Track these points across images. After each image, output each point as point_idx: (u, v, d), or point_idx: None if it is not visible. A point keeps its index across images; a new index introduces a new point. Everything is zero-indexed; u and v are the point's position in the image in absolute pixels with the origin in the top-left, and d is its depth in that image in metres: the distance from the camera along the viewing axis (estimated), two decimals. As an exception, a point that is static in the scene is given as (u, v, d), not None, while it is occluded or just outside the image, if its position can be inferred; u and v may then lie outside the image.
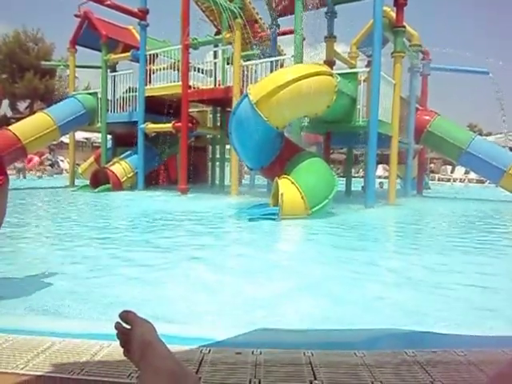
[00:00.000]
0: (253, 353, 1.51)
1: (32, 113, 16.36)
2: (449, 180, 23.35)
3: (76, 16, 11.64)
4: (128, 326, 0.89)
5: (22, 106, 33.92)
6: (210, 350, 1.51)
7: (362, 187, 11.21)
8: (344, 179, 11.46)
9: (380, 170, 19.49)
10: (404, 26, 8.58)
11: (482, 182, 18.93)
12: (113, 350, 1.47)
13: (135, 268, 2.95)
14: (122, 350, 0.91)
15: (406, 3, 8.39)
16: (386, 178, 12.56)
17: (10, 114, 31.50)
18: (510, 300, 2.42)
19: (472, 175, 20.02)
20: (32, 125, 10.12)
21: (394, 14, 8.69)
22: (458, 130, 10.28)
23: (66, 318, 1.97)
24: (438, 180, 23.34)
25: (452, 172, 24.15)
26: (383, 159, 14.67)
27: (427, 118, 10.35)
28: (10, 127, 9.90)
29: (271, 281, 2.74)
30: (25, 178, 16.29)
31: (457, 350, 1.53)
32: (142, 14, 10.23)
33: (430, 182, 18.00)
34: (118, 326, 0.89)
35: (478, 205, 9.33)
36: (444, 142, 9.95)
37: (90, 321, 1.92)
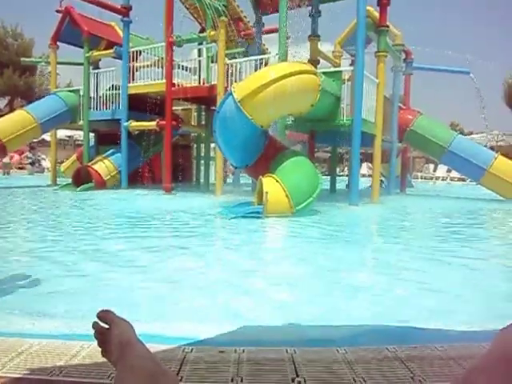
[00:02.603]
0: (235, 351, 1.51)
1: (12, 110, 16.04)
2: (431, 178, 23.71)
3: (57, 11, 11.43)
4: (106, 326, 0.87)
5: (2, 103, 33.23)
6: (192, 349, 1.50)
7: (347, 185, 11.30)
8: (329, 177, 11.54)
9: (364, 169, 19.70)
10: (387, 26, 8.66)
11: (463, 180, 19.27)
12: (93, 350, 1.45)
13: (115, 267, 2.92)
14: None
15: (389, 3, 8.47)
16: (369, 176, 12.67)
17: (-11, 111, 30.79)
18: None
19: (454, 174, 20.37)
20: (12, 122, 9.92)
21: (377, 14, 8.77)
22: (440, 128, 10.43)
23: (45, 318, 1.93)
24: (421, 178, 23.69)
25: (434, 170, 24.54)
26: (367, 157, 14.83)
27: (410, 117, 10.48)
28: (-12, 125, 9.69)
29: (250, 276, 2.75)
30: (8, 174, 16.15)
31: (436, 345, 1.56)
32: (125, 11, 10.12)
33: (413, 180, 18.26)
34: (95, 326, 0.88)
35: (458, 203, 9.48)
36: (427, 141, 10.08)
37: (69, 321, 1.89)
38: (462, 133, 19.17)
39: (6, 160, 16.32)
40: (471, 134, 27.10)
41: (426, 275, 2.88)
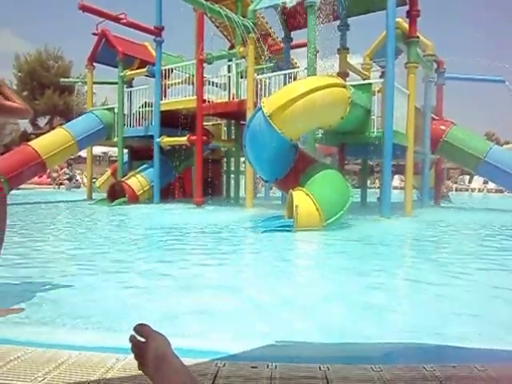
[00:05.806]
0: (268, 367, 1.50)
1: (51, 128, 16.82)
2: (467, 190, 22.99)
3: (94, 34, 11.96)
4: (143, 339, 0.89)
5: (42, 121, 34.80)
6: (224, 364, 1.51)
7: (378, 198, 11.10)
8: (359, 190, 11.38)
9: (396, 181, 19.30)
10: (417, 37, 8.56)
11: (501, 191, 18.58)
12: (128, 363, 1.48)
13: (152, 281, 2.97)
14: (136, 363, 0.92)
15: (419, 14, 8.39)
16: (401, 188, 12.41)
17: (30, 129, 32.31)
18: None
19: (491, 185, 19.67)
20: (51, 140, 10.34)
21: (406, 25, 8.69)
22: (475, 139, 10.14)
23: (83, 330, 1.98)
24: (456, 190, 22.99)
25: (470, 182, 23.81)
26: (399, 170, 14.55)
27: (443, 127, 10.25)
28: (30, 143, 10.15)
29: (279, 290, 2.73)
30: (59, 187, 17.39)
31: (477, 365, 1.49)
32: (157, 31, 10.45)
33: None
34: (132, 339, 0.90)
35: (497, 215, 9.11)
36: (461, 152, 9.82)
37: (106, 333, 1.94)
38: (497, 143, 18.56)
39: (54, 174, 17.60)
40: (508, 143, 26.21)
41: (465, 295, 2.77)
